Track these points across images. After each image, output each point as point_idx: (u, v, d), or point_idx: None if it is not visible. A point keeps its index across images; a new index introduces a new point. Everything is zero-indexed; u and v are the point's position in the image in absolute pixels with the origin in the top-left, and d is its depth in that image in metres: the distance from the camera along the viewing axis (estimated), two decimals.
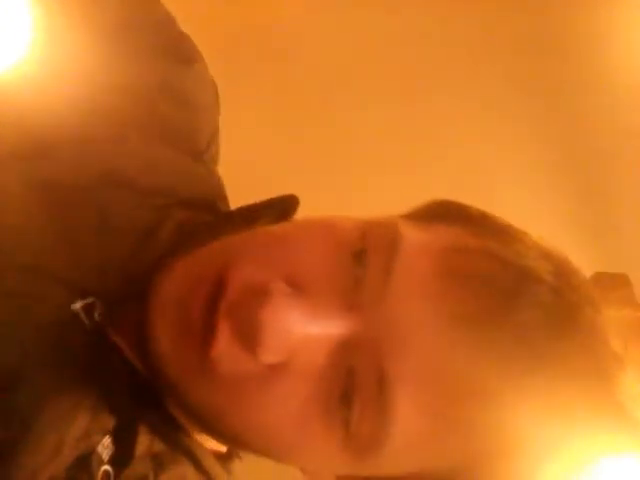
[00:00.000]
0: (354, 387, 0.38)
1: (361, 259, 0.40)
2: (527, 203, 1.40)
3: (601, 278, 1.44)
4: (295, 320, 0.38)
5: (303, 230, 0.45)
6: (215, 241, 0.44)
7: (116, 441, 0.41)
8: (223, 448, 0.49)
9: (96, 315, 0.44)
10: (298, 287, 0.40)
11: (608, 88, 1.40)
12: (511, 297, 0.39)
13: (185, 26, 0.58)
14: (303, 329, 0.39)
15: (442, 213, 0.45)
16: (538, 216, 1.39)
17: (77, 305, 0.43)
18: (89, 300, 0.44)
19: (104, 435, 0.41)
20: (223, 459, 0.49)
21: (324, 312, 0.39)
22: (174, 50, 0.55)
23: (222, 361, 0.39)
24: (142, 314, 0.41)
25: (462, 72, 1.44)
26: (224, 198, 0.56)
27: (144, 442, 0.42)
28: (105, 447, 0.41)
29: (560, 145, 1.46)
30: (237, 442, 0.44)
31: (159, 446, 0.43)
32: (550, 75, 1.45)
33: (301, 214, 0.52)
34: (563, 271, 0.42)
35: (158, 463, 0.43)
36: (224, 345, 0.39)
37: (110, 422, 0.41)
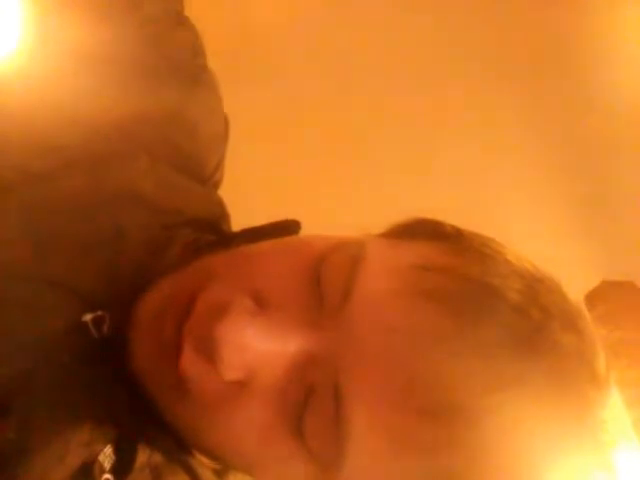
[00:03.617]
0: (313, 404, 0.38)
1: (322, 277, 0.40)
2: (533, 211, 1.39)
3: (608, 286, 1.43)
4: (252, 336, 0.39)
5: (273, 249, 0.45)
6: (196, 261, 0.45)
7: (117, 451, 0.41)
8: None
9: (105, 328, 0.45)
10: (263, 304, 0.40)
11: (614, 91, 1.40)
12: (472, 314, 0.39)
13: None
14: (260, 345, 0.39)
15: (417, 230, 0.45)
16: (544, 224, 1.39)
17: (87, 317, 0.44)
18: (99, 313, 0.44)
19: (106, 444, 0.41)
20: (219, 472, 0.49)
21: (282, 328, 0.39)
22: (187, 79, 0.56)
23: (190, 380, 0.40)
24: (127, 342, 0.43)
25: (464, 76, 1.43)
26: (227, 217, 0.57)
27: (144, 453, 0.43)
28: (107, 456, 0.41)
29: (567, 150, 1.46)
30: (215, 457, 0.45)
31: (158, 458, 0.44)
32: (558, 77, 1.45)
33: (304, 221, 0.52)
34: (533, 290, 0.41)
35: (157, 474, 0.43)
36: (189, 364, 0.39)
37: (112, 432, 0.42)
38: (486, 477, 0.39)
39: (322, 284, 0.40)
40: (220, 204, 0.58)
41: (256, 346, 0.39)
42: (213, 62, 0.60)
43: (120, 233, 0.47)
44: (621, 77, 1.41)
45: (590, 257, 1.43)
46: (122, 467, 0.41)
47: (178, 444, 0.45)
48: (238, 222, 0.57)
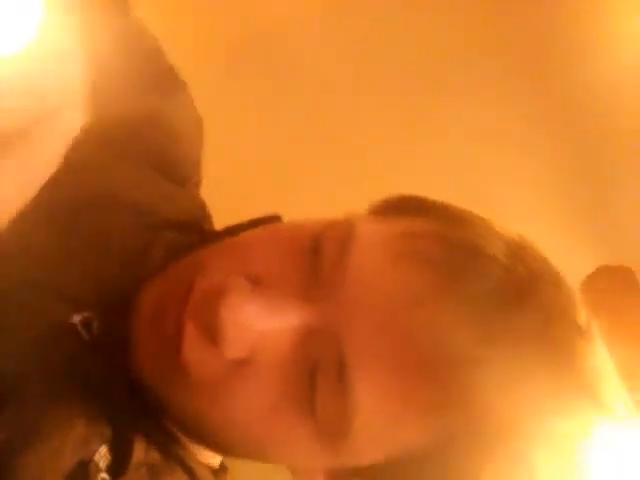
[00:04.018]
0: (317, 376, 0.39)
1: (318, 253, 0.41)
2: (530, 200, 1.40)
3: (604, 271, 1.44)
4: (254, 313, 0.40)
5: (265, 233, 0.46)
6: (187, 256, 0.46)
7: (112, 450, 0.42)
8: (216, 462, 0.51)
9: (94, 329, 0.45)
10: (258, 283, 0.41)
11: (613, 85, 1.41)
12: (460, 272, 0.40)
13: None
14: (263, 321, 0.40)
15: (403, 206, 0.47)
16: (541, 212, 1.40)
17: (76, 319, 0.44)
18: (87, 314, 0.45)
19: (101, 444, 0.41)
20: (216, 472, 0.50)
21: (282, 304, 0.40)
22: (163, 82, 0.57)
23: (192, 363, 0.40)
24: (127, 329, 0.44)
25: (463, 72, 1.43)
26: (209, 218, 0.58)
27: (140, 451, 0.43)
28: (102, 456, 0.41)
29: (563, 143, 1.47)
30: (221, 446, 0.45)
31: (154, 456, 0.44)
32: (556, 75, 1.46)
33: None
34: (518, 252, 0.43)
35: (154, 472, 0.44)
36: (192, 346, 0.40)
37: (107, 431, 0.42)
38: (485, 430, 0.40)
39: (318, 259, 0.41)
40: (202, 206, 0.58)
41: (258, 323, 0.40)
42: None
43: (103, 237, 0.48)
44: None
45: (586, 243, 1.44)
46: (118, 467, 0.42)
47: (174, 440, 0.45)
48: (221, 222, 0.57)
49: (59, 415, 0.41)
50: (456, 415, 0.40)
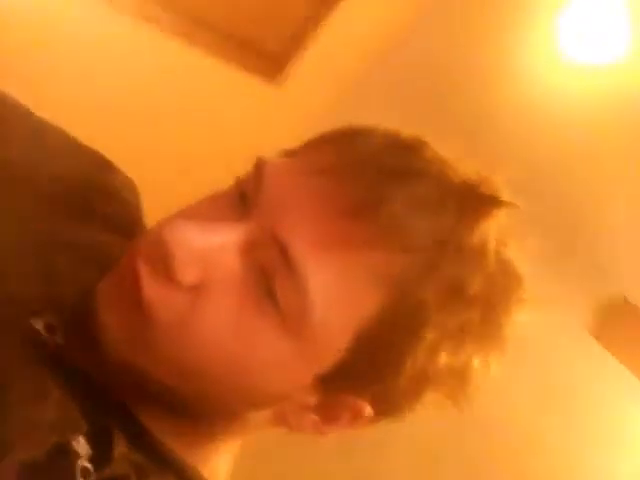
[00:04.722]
0: (270, 277, 0.43)
1: (243, 196, 0.46)
2: None
3: (612, 312, 1.48)
4: (195, 233, 0.43)
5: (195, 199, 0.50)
6: None
7: (92, 444, 0.43)
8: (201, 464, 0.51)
9: (59, 334, 0.48)
10: (198, 218, 0.45)
11: None
12: (345, 142, 0.47)
13: None
14: (205, 240, 0.43)
15: (315, 140, 0.51)
16: None
17: (38, 325, 0.48)
18: (48, 319, 0.48)
19: (77, 433, 0.43)
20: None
21: (217, 225, 0.44)
22: (101, 161, 0.62)
23: (155, 301, 0.43)
24: (92, 317, 0.46)
25: None
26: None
27: (121, 446, 0.44)
28: (80, 445, 0.43)
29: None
30: (203, 387, 0.46)
31: (138, 456, 0.45)
32: None
33: None
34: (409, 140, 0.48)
35: (140, 469, 0.45)
36: (149, 283, 0.43)
37: (83, 426, 0.44)
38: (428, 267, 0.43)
39: (243, 196, 0.46)
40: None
41: (200, 241, 0.43)
42: None
43: (50, 263, 0.51)
44: None
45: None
46: (100, 459, 0.43)
47: (154, 441, 0.47)
48: None
49: (27, 389, 0.43)
50: (396, 256, 0.43)
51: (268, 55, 1.75)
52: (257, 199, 0.45)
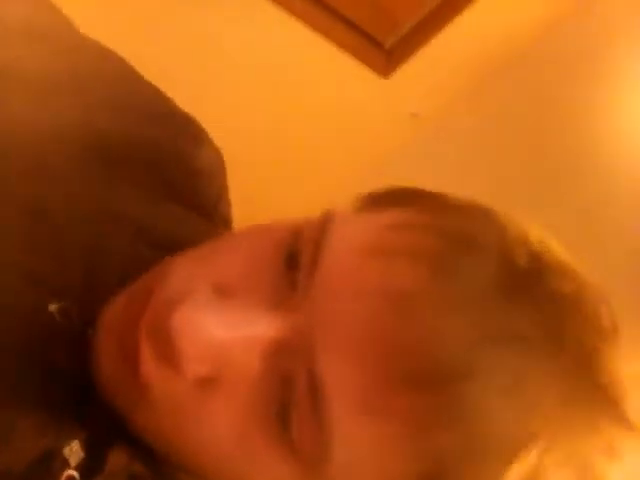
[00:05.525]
0: (290, 396, 0.35)
1: (294, 260, 0.37)
2: None
3: None
4: (212, 323, 0.36)
5: (234, 238, 0.44)
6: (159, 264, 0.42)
7: (87, 449, 0.39)
8: None
9: (74, 317, 0.42)
10: (225, 293, 0.37)
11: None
12: (451, 267, 0.35)
13: None
14: (223, 332, 0.36)
15: (391, 198, 0.42)
16: None
17: (53, 307, 0.42)
18: (66, 304, 0.42)
19: (72, 439, 0.39)
20: None
21: (246, 312, 0.36)
22: (177, 117, 0.57)
23: (153, 385, 0.37)
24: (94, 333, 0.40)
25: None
26: None
27: (120, 457, 0.41)
28: (73, 452, 0.39)
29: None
30: (193, 472, 0.41)
31: (138, 467, 0.42)
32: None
33: None
34: (521, 237, 0.37)
35: None
36: (150, 368, 0.37)
37: (80, 432, 0.40)
38: (486, 451, 0.34)
39: (292, 264, 0.37)
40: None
41: (218, 334, 0.36)
42: None
43: (97, 245, 0.45)
44: None
45: None
46: (91, 467, 0.39)
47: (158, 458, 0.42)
48: None
49: (17, 394, 0.38)
50: (452, 435, 0.34)
51: (384, 49, 1.66)
52: (309, 282, 0.36)
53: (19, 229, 0.43)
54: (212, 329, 0.36)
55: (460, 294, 0.35)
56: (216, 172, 0.57)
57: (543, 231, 0.40)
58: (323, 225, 0.38)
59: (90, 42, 0.56)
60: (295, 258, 0.37)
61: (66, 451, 0.39)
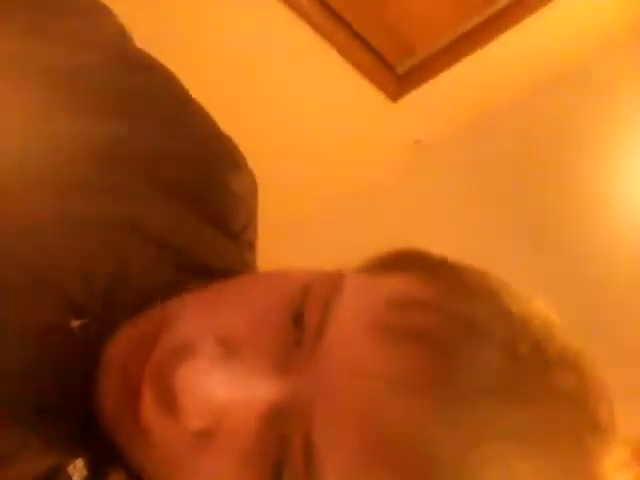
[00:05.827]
0: (285, 454, 0.36)
1: (301, 319, 0.38)
2: None
3: None
4: (217, 382, 0.36)
5: (244, 287, 0.44)
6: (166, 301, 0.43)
7: (90, 467, 0.41)
8: None
9: (92, 332, 0.42)
10: (230, 348, 0.38)
11: None
12: (454, 358, 0.35)
13: None
14: (225, 392, 0.36)
15: (400, 262, 0.42)
16: None
17: (75, 323, 0.42)
18: (87, 321, 0.43)
19: (76, 457, 0.40)
20: None
21: (249, 374, 0.37)
22: (222, 147, 0.57)
23: (153, 429, 0.37)
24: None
25: None
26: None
27: (121, 478, 0.42)
28: (77, 469, 0.40)
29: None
30: None
31: None
32: None
33: None
34: (525, 326, 0.37)
35: None
36: (150, 414, 0.37)
37: (84, 451, 0.41)
38: None
39: (300, 321, 0.37)
40: (247, 265, 0.55)
41: (220, 394, 0.36)
42: None
43: (121, 261, 0.45)
44: None
45: None
46: None
47: None
48: None
49: (30, 411, 0.39)
50: None
51: (396, 73, 1.68)
52: (314, 345, 0.37)
53: (53, 242, 0.43)
54: (214, 389, 0.36)
55: (461, 388, 0.35)
56: (249, 198, 0.57)
57: (546, 307, 0.40)
58: (333, 287, 0.38)
59: (143, 55, 0.56)
60: (302, 317, 0.38)
61: (70, 469, 0.40)
